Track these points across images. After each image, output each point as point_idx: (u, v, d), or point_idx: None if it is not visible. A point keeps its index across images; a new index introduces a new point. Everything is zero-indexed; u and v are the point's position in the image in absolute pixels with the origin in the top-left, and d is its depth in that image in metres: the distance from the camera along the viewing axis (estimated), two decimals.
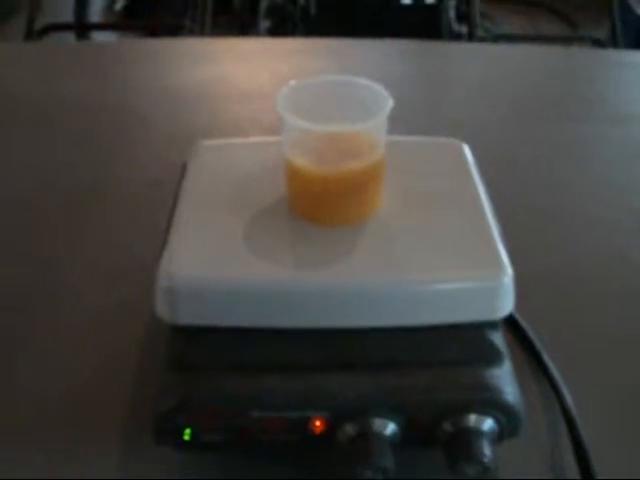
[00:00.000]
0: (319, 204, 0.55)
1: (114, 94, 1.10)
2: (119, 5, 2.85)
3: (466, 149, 0.65)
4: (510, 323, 0.64)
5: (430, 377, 0.51)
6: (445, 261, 0.53)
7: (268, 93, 1.04)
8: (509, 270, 0.52)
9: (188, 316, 0.52)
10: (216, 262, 0.53)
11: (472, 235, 0.55)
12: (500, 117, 1.04)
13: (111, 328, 0.67)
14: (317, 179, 0.54)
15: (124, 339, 0.65)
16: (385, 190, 0.57)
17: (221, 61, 1.23)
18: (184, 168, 0.63)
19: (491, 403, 0.50)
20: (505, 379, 0.52)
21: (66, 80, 1.13)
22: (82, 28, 2.51)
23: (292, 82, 0.55)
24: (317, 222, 0.55)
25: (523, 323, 0.65)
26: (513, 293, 0.53)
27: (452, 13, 2.60)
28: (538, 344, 0.64)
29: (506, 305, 0.53)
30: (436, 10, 2.55)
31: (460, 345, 0.53)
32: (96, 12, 2.81)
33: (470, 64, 1.25)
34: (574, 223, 0.82)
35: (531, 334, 0.65)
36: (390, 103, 0.53)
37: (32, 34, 2.21)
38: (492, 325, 0.54)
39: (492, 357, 0.53)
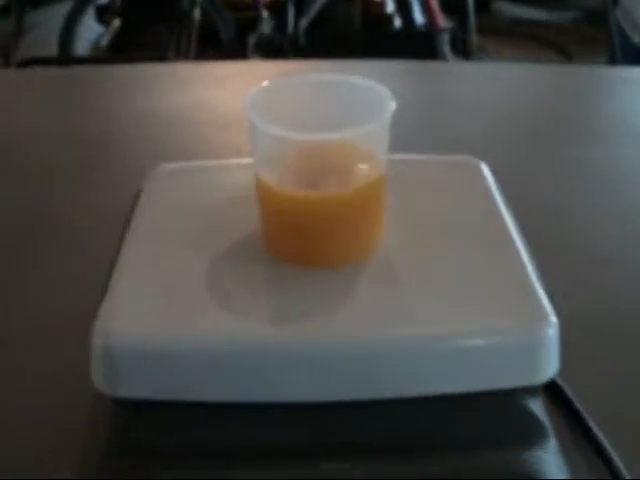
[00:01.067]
0: (300, 238, 0.42)
1: (81, 121, 0.99)
2: (105, 40, 2.76)
3: (485, 168, 0.53)
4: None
5: (455, 462, 0.38)
6: (469, 310, 0.40)
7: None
8: (553, 320, 0.40)
9: (131, 387, 0.40)
10: (168, 316, 0.40)
11: (502, 275, 0.42)
12: (506, 137, 0.92)
13: (53, 396, 0.54)
14: (296, 204, 0.41)
15: (68, 411, 0.52)
16: (387, 219, 0.45)
17: (199, 85, 1.12)
18: (137, 196, 0.51)
19: None
20: (551, 462, 0.39)
21: (34, 108, 1.03)
22: (64, 62, 2.41)
23: (265, 82, 0.43)
24: (298, 263, 0.42)
25: (563, 385, 0.52)
26: (558, 349, 0.40)
27: (446, 39, 2.52)
28: (583, 413, 0.50)
29: (550, 366, 0.41)
30: (429, 38, 2.46)
31: (492, 419, 0.40)
32: (83, 47, 2.73)
33: (469, 83, 1.14)
34: (611, 257, 0.69)
35: (575, 401, 0.51)
36: (392, 105, 0.41)
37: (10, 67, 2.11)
38: (532, 392, 0.42)
39: (533, 434, 0.40)
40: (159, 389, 0.40)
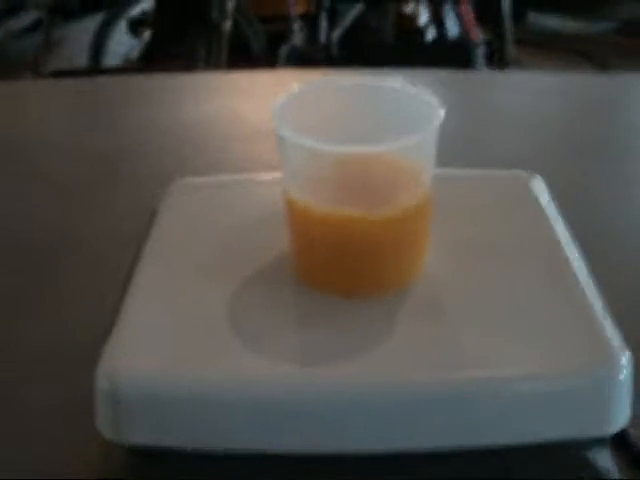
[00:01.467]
0: (335, 265, 0.37)
1: (107, 134, 0.95)
2: (135, 52, 2.74)
3: (539, 184, 0.47)
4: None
5: None
6: (526, 349, 0.35)
7: None
8: (625, 360, 0.34)
9: (139, 433, 0.35)
10: (184, 355, 0.35)
11: (564, 307, 0.37)
12: (555, 150, 0.87)
13: (60, 433, 0.49)
14: (332, 226, 0.36)
15: (75, 450, 0.47)
16: (432, 237, 0.40)
17: (229, 96, 1.08)
18: (153, 215, 0.46)
19: None
20: None
21: (59, 118, 1.00)
22: (93, 73, 2.40)
23: (294, 87, 0.38)
24: (332, 292, 0.37)
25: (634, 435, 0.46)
26: (631, 394, 0.35)
27: (481, 51, 2.46)
28: None
29: (621, 413, 0.35)
30: (463, 49, 2.41)
31: (555, 475, 0.35)
32: (113, 60, 2.71)
33: (509, 93, 1.09)
34: None
35: None
36: (441, 114, 0.36)
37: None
38: (600, 443, 0.36)
39: None
40: (172, 437, 0.35)
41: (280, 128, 0.35)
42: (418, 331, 0.35)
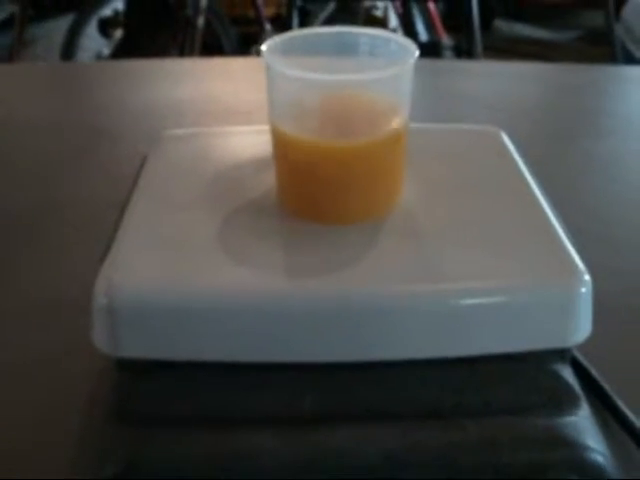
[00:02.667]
0: (318, 191, 0.40)
1: (84, 114, 0.97)
2: (106, 51, 2.75)
3: (506, 137, 0.50)
4: None
5: (484, 429, 0.36)
6: (496, 265, 0.38)
7: (256, 110, 0.91)
8: (586, 277, 0.37)
9: (136, 346, 0.37)
10: (177, 270, 0.37)
11: (531, 231, 0.40)
12: (522, 134, 0.90)
13: (55, 370, 0.51)
14: (315, 155, 0.39)
15: (70, 382, 0.49)
16: (405, 181, 0.43)
17: (204, 80, 1.10)
18: (143, 161, 0.49)
19: (573, 464, 0.35)
20: (586, 429, 0.36)
21: (35, 100, 1.01)
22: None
23: (281, 35, 0.41)
24: (316, 219, 0.40)
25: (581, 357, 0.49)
26: (591, 309, 0.38)
27: (449, 54, 2.51)
28: (602, 381, 0.47)
29: (583, 326, 0.38)
30: (432, 50, 2.46)
31: (521, 384, 0.38)
32: (85, 59, 2.72)
33: (481, 81, 1.12)
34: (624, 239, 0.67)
35: (593, 372, 0.49)
36: (415, 53, 0.39)
37: None
38: (562, 355, 0.39)
39: (565, 399, 0.38)
40: (166, 348, 0.37)
41: (268, 59, 0.38)
42: (395, 250, 0.38)
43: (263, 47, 0.39)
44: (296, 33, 0.42)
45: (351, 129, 0.39)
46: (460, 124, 0.53)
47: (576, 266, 0.38)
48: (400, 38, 0.41)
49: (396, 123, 0.40)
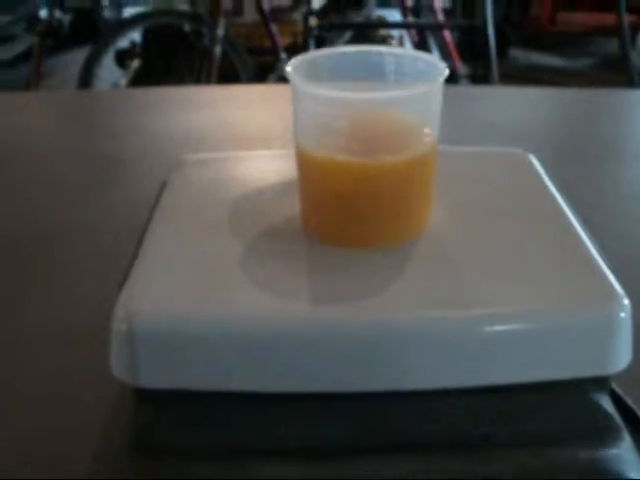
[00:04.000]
0: (344, 213, 0.38)
1: (102, 141, 0.97)
2: (122, 82, 2.77)
3: (534, 159, 0.49)
4: None
5: (516, 460, 0.34)
6: (531, 290, 0.36)
7: (275, 137, 0.90)
8: (625, 301, 0.36)
9: (156, 376, 0.36)
10: (199, 297, 0.36)
11: (565, 255, 0.38)
12: (546, 158, 0.89)
13: (70, 398, 0.50)
14: (342, 175, 0.37)
15: (87, 413, 0.48)
16: (436, 201, 0.41)
17: (222, 107, 1.09)
18: (163, 186, 0.48)
19: None
20: (630, 461, 0.35)
21: (52, 128, 1.02)
22: None
23: (307, 54, 0.40)
24: (342, 243, 0.39)
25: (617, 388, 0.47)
26: (631, 335, 0.36)
27: (465, 82, 2.51)
28: None
29: (622, 353, 0.36)
30: (448, 80, 2.45)
31: (558, 415, 0.36)
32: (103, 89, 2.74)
33: (498, 106, 1.11)
34: None
35: (631, 403, 0.47)
36: (445, 71, 0.38)
37: None
38: (601, 384, 0.37)
39: (606, 430, 0.36)
40: (186, 377, 0.35)
41: (293, 78, 0.37)
42: (425, 275, 0.37)
43: (288, 67, 0.38)
44: (321, 52, 0.41)
45: (379, 149, 0.38)
46: (486, 147, 0.51)
47: (614, 290, 0.36)
48: (427, 56, 0.39)
49: (425, 143, 0.38)
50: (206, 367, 0.35)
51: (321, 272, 0.37)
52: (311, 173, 0.39)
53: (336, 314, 0.34)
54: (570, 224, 0.41)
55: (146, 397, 0.37)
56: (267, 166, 0.48)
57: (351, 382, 0.35)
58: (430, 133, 0.38)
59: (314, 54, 0.40)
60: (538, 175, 0.47)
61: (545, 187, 0.45)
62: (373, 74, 0.40)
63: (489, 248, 0.39)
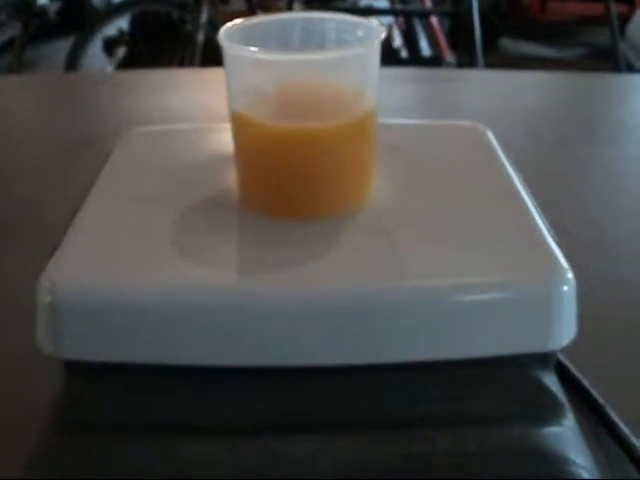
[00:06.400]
0: (279, 182, 0.37)
1: (76, 123, 0.95)
2: (109, 69, 2.74)
3: (490, 134, 0.48)
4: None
5: (452, 441, 0.33)
6: (473, 262, 0.35)
7: None
8: (569, 274, 0.34)
9: (80, 347, 0.34)
10: (124, 268, 0.35)
11: (512, 227, 0.37)
12: (518, 140, 0.88)
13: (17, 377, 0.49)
14: (276, 139, 0.36)
15: (26, 389, 0.46)
16: (379, 175, 0.40)
17: (198, 89, 1.08)
18: (105, 158, 0.46)
19: None
20: (570, 441, 0.33)
21: (30, 110, 1.00)
22: None
23: (241, 20, 0.38)
24: (281, 213, 0.37)
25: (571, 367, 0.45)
26: (575, 309, 0.35)
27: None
28: (592, 390, 0.44)
29: (565, 328, 0.35)
30: (435, 65, 2.44)
31: (497, 392, 0.35)
32: None
33: (483, 89, 1.10)
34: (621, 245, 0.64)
35: (581, 378, 0.44)
36: (382, 34, 0.36)
37: None
38: (544, 360, 0.36)
39: (548, 408, 0.35)
40: (112, 349, 0.34)
41: (225, 42, 0.35)
42: (361, 246, 0.35)
43: (220, 32, 0.36)
44: (257, 18, 0.39)
45: (315, 114, 0.36)
46: (446, 120, 0.50)
47: (558, 263, 0.35)
48: (368, 22, 0.38)
49: (362, 107, 0.37)
50: (131, 339, 0.34)
51: (253, 242, 0.36)
52: (245, 141, 0.37)
53: (262, 284, 0.33)
54: (518, 198, 0.39)
55: (74, 370, 0.36)
56: (214, 138, 0.47)
57: (277, 356, 0.33)
58: (368, 98, 0.37)
59: (250, 21, 0.38)
60: (492, 149, 0.45)
61: (497, 160, 0.44)
62: (312, 41, 0.38)
63: (430, 219, 0.37)
